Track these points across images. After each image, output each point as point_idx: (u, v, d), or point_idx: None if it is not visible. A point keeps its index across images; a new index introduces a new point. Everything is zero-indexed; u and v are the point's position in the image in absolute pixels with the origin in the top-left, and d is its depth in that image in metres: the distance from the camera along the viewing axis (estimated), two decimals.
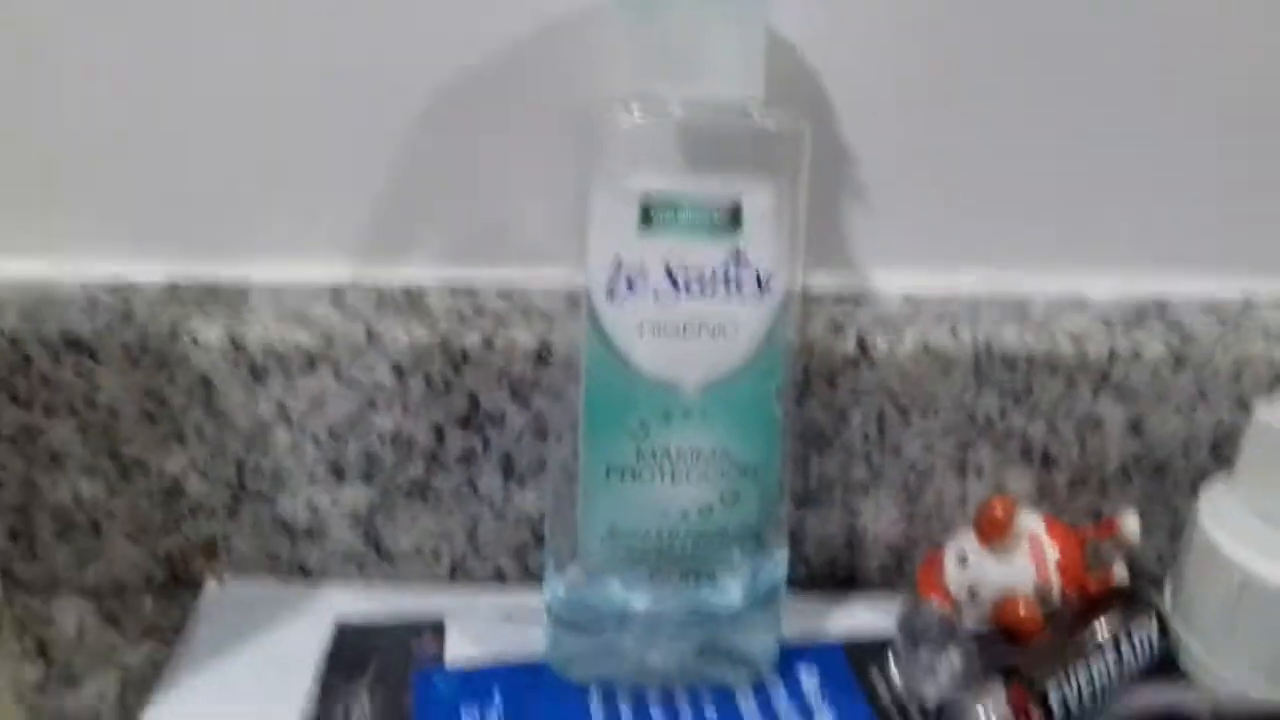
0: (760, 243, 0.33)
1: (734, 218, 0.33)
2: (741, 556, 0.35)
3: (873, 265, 0.41)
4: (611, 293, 0.33)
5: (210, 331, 0.37)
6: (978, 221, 0.41)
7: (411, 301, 0.39)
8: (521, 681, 0.36)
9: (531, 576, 0.42)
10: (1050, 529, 0.40)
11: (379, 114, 0.38)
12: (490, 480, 0.40)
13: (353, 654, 0.38)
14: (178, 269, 0.40)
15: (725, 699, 0.36)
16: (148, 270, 0.40)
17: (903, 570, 0.43)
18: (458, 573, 0.42)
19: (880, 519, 0.42)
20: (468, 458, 0.40)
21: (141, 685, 0.37)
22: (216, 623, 0.39)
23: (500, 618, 0.40)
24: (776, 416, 0.35)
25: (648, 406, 0.34)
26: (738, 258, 0.33)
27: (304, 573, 0.41)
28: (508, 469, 0.40)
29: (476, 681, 0.36)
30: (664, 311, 0.33)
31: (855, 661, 0.38)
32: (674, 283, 0.33)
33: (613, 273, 0.33)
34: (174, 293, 0.39)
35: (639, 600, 0.36)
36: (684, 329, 0.33)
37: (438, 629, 0.39)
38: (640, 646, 0.36)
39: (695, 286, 0.33)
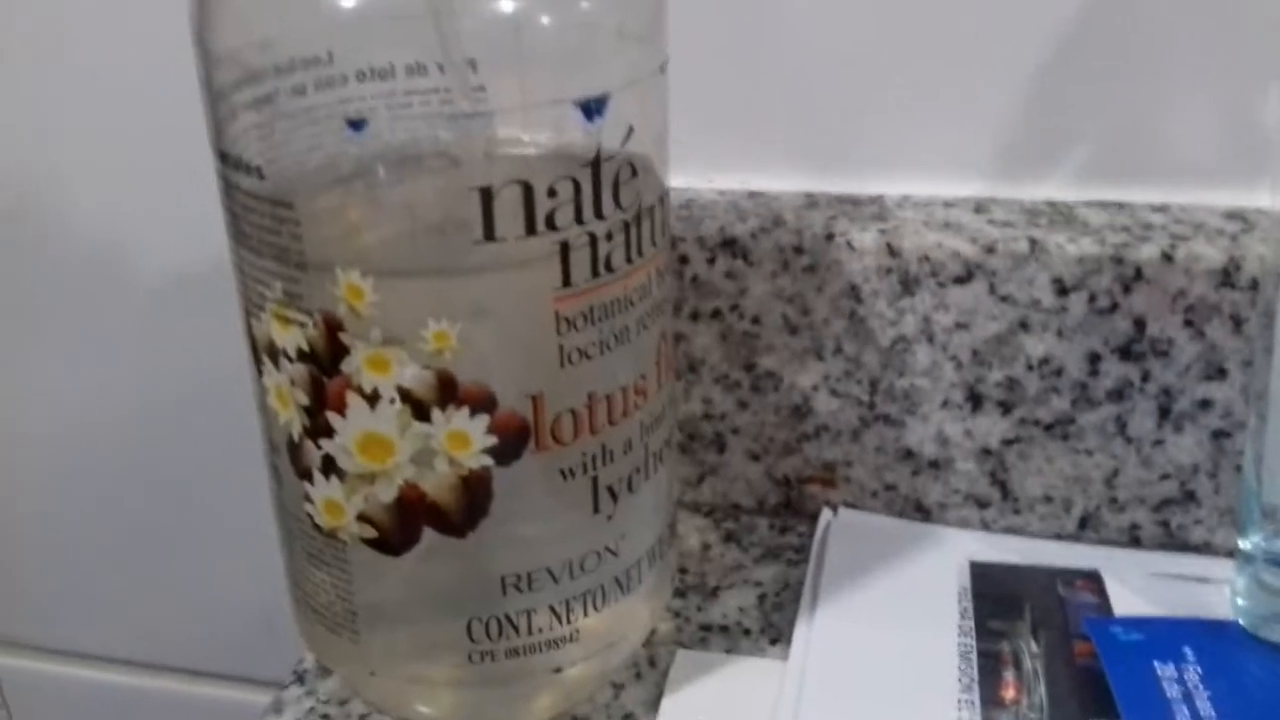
0: None
1: None
2: None
3: None
4: None
5: (865, 236, 0.36)
6: None
7: (1064, 217, 0.37)
8: (1210, 638, 0.32)
9: (1173, 539, 0.37)
10: None
11: (1023, 23, 0.36)
12: (1142, 421, 0.36)
13: (999, 594, 0.35)
14: (814, 185, 0.39)
15: None
16: (785, 184, 0.39)
17: None
18: (1087, 525, 0.38)
19: None
20: (1121, 392, 0.36)
21: (778, 603, 0.36)
22: (840, 551, 0.38)
23: (1154, 574, 0.36)
24: None
25: None
26: None
27: (920, 509, 0.39)
28: (1164, 409, 0.36)
29: (1161, 634, 0.32)
30: None
31: None
32: None
33: None
34: (813, 202, 0.38)
35: None
36: None
37: (1091, 579, 0.35)
38: None
39: None
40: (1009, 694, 0.31)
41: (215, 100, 0.26)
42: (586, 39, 0.25)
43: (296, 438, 0.28)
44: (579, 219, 0.25)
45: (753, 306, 0.38)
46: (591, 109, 0.24)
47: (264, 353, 0.28)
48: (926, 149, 0.38)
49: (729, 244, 0.37)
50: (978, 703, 0.31)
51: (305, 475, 0.28)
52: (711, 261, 0.37)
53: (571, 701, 0.32)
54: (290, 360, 0.27)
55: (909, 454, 0.38)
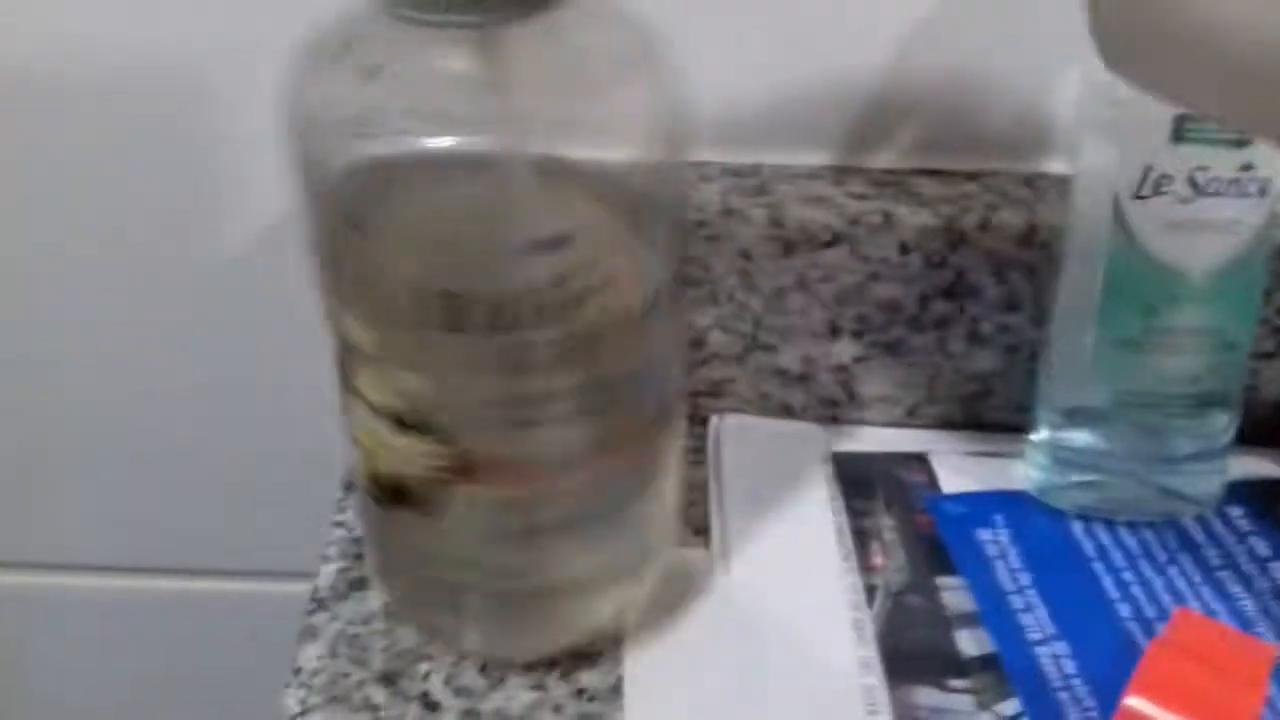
0: (1267, 153, 0.39)
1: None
2: (1209, 417, 0.43)
3: None
4: (1138, 195, 0.40)
5: (753, 210, 0.45)
6: None
7: (905, 187, 0.46)
8: (1013, 507, 0.45)
9: (976, 423, 0.50)
10: None
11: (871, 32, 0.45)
12: (958, 340, 0.47)
13: (856, 479, 0.46)
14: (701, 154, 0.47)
15: (1176, 526, 0.44)
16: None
17: None
18: (913, 415, 0.50)
19: None
20: (943, 322, 0.47)
21: (693, 499, 0.46)
22: (732, 450, 0.48)
23: (965, 453, 0.48)
24: (1258, 300, 0.42)
25: (1159, 290, 0.41)
26: (1249, 167, 0.39)
27: (787, 411, 0.50)
28: (973, 333, 0.47)
29: (978, 506, 0.45)
30: (1183, 211, 0.39)
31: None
32: (1194, 187, 0.39)
33: (1141, 177, 0.39)
34: (706, 175, 0.46)
35: (1117, 445, 0.43)
36: (1198, 226, 0.40)
37: (921, 461, 0.47)
38: (1112, 483, 0.44)
39: (1212, 190, 0.39)
40: (877, 561, 0.43)
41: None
42: None
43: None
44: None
45: None
46: None
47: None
48: (793, 125, 0.47)
49: None
50: (856, 569, 0.43)
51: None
52: None
53: None
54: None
55: (781, 372, 0.49)
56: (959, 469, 0.47)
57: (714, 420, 0.50)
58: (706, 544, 0.44)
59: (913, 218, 0.45)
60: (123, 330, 0.53)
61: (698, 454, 0.48)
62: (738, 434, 0.49)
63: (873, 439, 0.49)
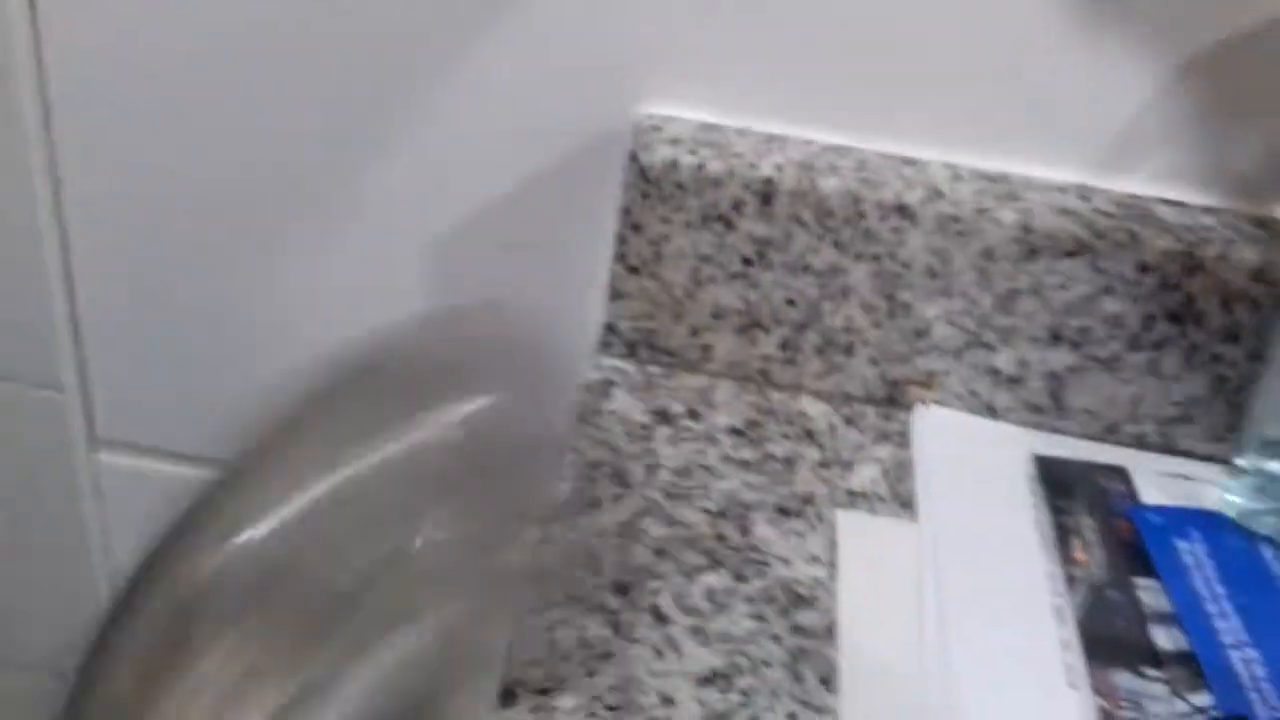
0: None
1: None
2: None
3: None
4: None
5: (1004, 212, 0.47)
6: None
7: (1146, 212, 0.48)
8: (1210, 525, 0.47)
9: (1171, 448, 0.51)
10: None
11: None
12: (1173, 362, 0.49)
13: (1057, 482, 0.49)
14: (955, 157, 0.50)
15: None
16: (929, 154, 0.50)
17: None
18: (1111, 432, 0.52)
19: None
20: (1161, 344, 0.49)
21: (898, 476, 0.49)
22: (936, 440, 0.50)
23: (1160, 472, 0.50)
24: None
25: None
26: None
27: (991, 411, 0.52)
28: (1188, 358, 0.49)
29: (1177, 520, 0.47)
30: None
31: None
32: None
33: None
34: (958, 175, 0.49)
35: None
36: None
37: (1120, 474, 0.49)
38: None
39: None
40: (1079, 556, 0.45)
41: None
42: None
43: None
44: None
45: (907, 255, 0.48)
46: None
47: None
48: (1044, 139, 0.49)
49: (900, 209, 0.47)
50: (1058, 560, 0.45)
51: None
52: (884, 219, 0.48)
53: None
54: None
55: (995, 371, 0.51)
56: (1157, 485, 0.49)
57: (919, 408, 0.52)
58: (914, 518, 0.47)
59: (1156, 240, 0.47)
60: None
61: (902, 437, 0.51)
62: (943, 426, 0.51)
63: (1072, 448, 0.51)
